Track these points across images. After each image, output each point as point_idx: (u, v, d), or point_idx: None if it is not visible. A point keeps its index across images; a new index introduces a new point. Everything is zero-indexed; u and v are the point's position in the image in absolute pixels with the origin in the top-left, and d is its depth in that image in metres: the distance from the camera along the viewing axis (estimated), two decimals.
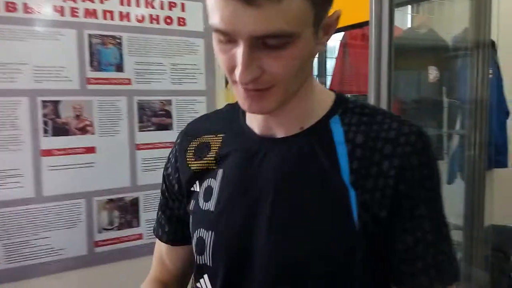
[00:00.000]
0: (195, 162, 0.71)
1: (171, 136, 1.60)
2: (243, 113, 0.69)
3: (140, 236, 1.57)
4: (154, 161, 1.58)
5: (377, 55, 1.19)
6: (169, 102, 1.59)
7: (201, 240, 0.66)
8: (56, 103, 1.39)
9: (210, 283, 0.66)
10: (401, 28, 2.34)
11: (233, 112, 0.71)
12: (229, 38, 0.52)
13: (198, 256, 0.67)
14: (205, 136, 0.72)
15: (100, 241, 1.50)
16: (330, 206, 0.59)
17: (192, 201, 0.70)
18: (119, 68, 1.48)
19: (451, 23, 2.25)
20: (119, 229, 1.53)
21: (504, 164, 2.23)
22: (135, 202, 1.56)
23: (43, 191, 1.39)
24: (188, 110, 1.64)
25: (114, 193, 1.51)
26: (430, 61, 2.43)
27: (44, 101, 1.37)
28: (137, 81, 1.52)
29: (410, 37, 2.43)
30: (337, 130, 0.62)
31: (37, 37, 1.35)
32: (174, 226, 0.78)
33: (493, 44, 2.02)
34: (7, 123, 1.32)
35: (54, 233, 1.42)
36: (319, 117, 0.63)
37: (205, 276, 0.67)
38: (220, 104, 1.75)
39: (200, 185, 0.70)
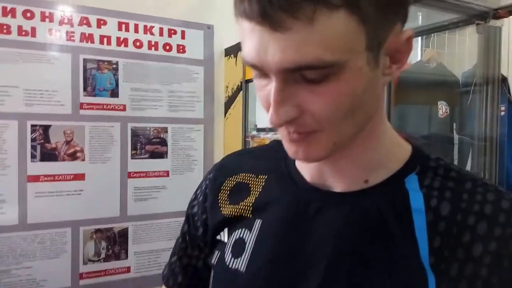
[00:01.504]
0: (228, 205, 0.58)
1: (165, 164, 1.55)
2: None
3: (127, 270, 1.50)
4: (146, 190, 1.52)
5: None
6: (164, 130, 1.55)
7: None
8: (46, 127, 1.35)
9: None
10: (409, 62, 2.29)
11: (280, 150, 0.56)
12: (263, 72, 0.42)
13: None
14: (244, 175, 0.60)
15: (85, 273, 1.43)
16: None
17: (217, 252, 0.57)
18: (114, 93, 1.45)
19: (462, 58, 2.20)
20: (105, 261, 1.46)
21: None
22: (124, 233, 1.49)
23: (27, 218, 1.34)
24: (184, 138, 1.59)
25: (102, 222, 1.45)
26: (439, 96, 2.37)
27: (33, 125, 1.34)
28: (132, 107, 1.48)
29: (420, 71, 2.38)
30: (415, 193, 0.49)
31: (31, 60, 1.33)
32: (189, 278, 0.65)
33: (504, 80, 1.95)
34: None
35: (37, 263, 1.35)
36: (391, 173, 0.50)
37: None
38: (219, 133, 1.70)
39: (230, 234, 0.57)
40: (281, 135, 0.47)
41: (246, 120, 1.63)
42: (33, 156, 1.34)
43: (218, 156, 1.66)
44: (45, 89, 1.35)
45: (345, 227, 0.49)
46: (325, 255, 0.48)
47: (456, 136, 2.27)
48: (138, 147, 1.50)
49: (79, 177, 1.40)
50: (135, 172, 1.49)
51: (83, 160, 1.41)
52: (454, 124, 2.29)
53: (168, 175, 1.56)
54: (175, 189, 1.56)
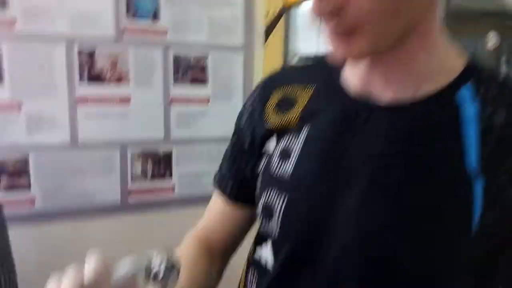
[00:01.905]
0: (276, 116, 0.60)
1: (205, 91, 1.58)
2: (339, 66, 0.57)
3: (172, 190, 1.59)
4: (188, 116, 1.56)
5: None
6: (205, 56, 1.55)
7: (270, 203, 0.56)
8: (92, 51, 1.39)
9: (273, 253, 0.57)
10: None
11: (327, 64, 0.58)
12: None
13: (263, 222, 0.58)
14: (291, 86, 0.61)
15: (133, 191, 1.52)
16: (445, 197, 0.47)
17: (264, 161, 0.61)
18: (156, 18, 1.45)
19: None
20: (151, 181, 1.55)
21: None
22: (168, 156, 1.56)
23: (78, 138, 1.41)
24: (224, 66, 1.60)
25: (147, 144, 1.52)
26: (490, 27, 2.24)
27: (79, 49, 1.37)
28: (174, 33, 1.48)
29: None
30: (468, 102, 0.49)
31: None
32: (238, 187, 0.68)
33: None
34: (42, 69, 1.34)
35: (88, 180, 1.45)
36: (443, 83, 0.50)
37: (268, 245, 0.58)
38: (259, 61, 1.69)
39: (276, 144, 0.59)
40: (326, 33, 0.49)
41: (286, 48, 1.61)
42: (81, 79, 1.38)
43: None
44: (90, 13, 1.36)
45: (393, 133, 0.50)
46: (371, 164, 0.50)
47: (503, 69, 2.17)
48: (180, 73, 1.52)
49: (125, 100, 1.45)
50: (177, 98, 1.53)
51: (128, 84, 1.45)
52: (503, 57, 2.18)
53: (208, 102, 1.59)
54: (216, 115, 1.60)
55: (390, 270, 0.48)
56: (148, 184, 1.54)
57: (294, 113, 0.58)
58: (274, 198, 0.55)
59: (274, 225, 0.55)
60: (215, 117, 1.60)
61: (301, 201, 0.53)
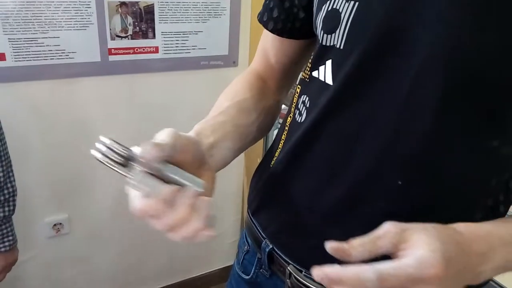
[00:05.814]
0: None
1: None
2: None
3: (156, 50, 1.46)
4: None
5: None
6: None
7: (334, 13, 0.49)
8: None
9: (332, 71, 0.51)
10: None
11: None
12: None
13: (324, 36, 0.51)
14: None
15: (113, 48, 1.39)
16: None
17: None
18: None
19: None
20: (133, 39, 1.41)
21: None
22: (150, 10, 1.40)
23: None
24: None
25: None
26: None
27: None
28: None
29: None
30: None
31: None
32: (286, 12, 0.61)
33: None
34: None
35: (64, 33, 1.30)
36: None
37: (328, 62, 0.52)
38: None
39: None
40: None
41: None
42: None
43: None
44: None
45: None
46: None
47: None
48: None
49: None
50: None
51: None
52: None
53: None
54: None
55: (476, 79, 0.44)
56: (129, 42, 1.40)
57: None
58: (339, 6, 0.49)
59: (338, 39, 0.50)
60: None
61: (374, 7, 0.46)
